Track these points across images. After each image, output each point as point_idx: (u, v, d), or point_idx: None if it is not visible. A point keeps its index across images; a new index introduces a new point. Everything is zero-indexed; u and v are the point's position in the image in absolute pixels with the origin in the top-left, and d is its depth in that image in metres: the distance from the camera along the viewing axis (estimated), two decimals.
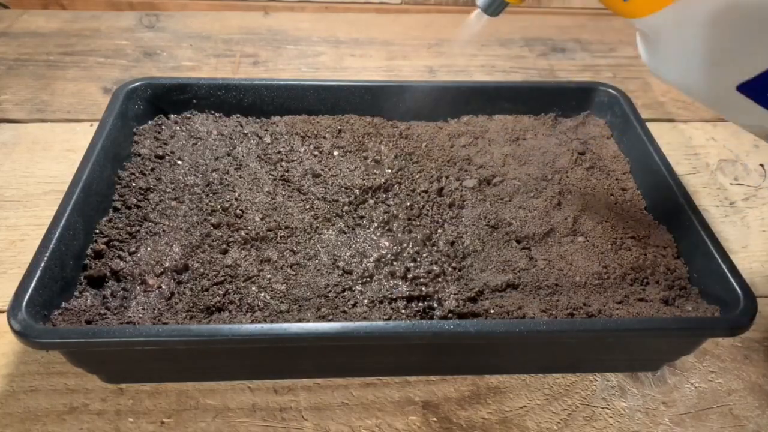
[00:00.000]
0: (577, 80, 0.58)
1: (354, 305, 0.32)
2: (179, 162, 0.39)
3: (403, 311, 0.31)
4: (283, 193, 0.38)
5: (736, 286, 0.31)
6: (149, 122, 0.42)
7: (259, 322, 0.30)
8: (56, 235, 0.30)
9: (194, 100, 0.43)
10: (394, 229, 0.36)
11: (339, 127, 0.42)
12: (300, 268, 0.33)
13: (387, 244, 0.35)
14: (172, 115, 0.42)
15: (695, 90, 0.26)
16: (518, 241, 0.36)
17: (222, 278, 0.32)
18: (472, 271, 0.34)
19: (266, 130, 0.42)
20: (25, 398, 0.31)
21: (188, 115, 0.43)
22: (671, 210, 0.37)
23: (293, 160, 0.40)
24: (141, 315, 0.30)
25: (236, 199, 0.37)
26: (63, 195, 0.33)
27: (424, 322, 0.29)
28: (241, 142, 0.41)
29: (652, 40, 0.26)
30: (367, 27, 0.65)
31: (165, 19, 0.64)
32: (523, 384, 0.33)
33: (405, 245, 0.35)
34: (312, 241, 0.35)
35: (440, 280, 0.33)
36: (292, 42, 0.61)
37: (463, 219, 0.37)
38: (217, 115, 0.43)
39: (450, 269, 0.34)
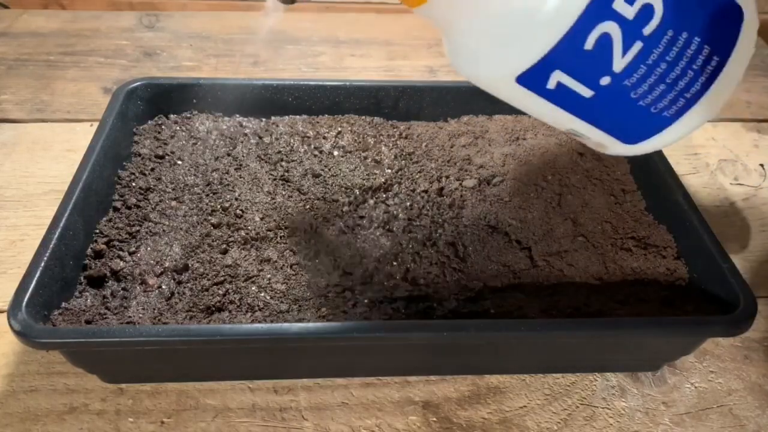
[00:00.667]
0: None
1: (354, 305, 0.32)
2: (179, 162, 0.39)
3: (403, 311, 0.31)
4: (283, 193, 0.38)
5: (736, 286, 0.31)
6: (149, 122, 0.42)
7: (259, 322, 0.30)
8: (56, 235, 0.30)
9: (194, 100, 0.43)
10: (394, 229, 0.36)
11: (339, 127, 0.43)
12: (300, 268, 0.33)
13: (387, 244, 0.35)
14: (172, 115, 0.42)
15: (486, 85, 0.25)
16: (518, 241, 0.36)
17: (222, 278, 0.32)
18: (472, 271, 0.34)
19: (266, 130, 0.42)
20: (25, 398, 0.31)
21: (188, 115, 0.43)
22: (671, 210, 0.37)
23: (293, 160, 0.40)
24: (141, 315, 0.30)
25: (236, 199, 0.37)
26: (63, 195, 0.33)
27: (424, 322, 0.29)
28: (241, 142, 0.41)
29: (443, 32, 0.25)
30: (368, 27, 0.65)
31: (165, 19, 0.64)
32: (523, 384, 0.33)
33: (405, 245, 0.35)
34: (312, 241, 0.35)
35: (440, 280, 0.33)
36: (292, 42, 0.61)
37: (463, 219, 0.37)
38: (217, 115, 0.43)
39: (450, 269, 0.34)
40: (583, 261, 0.35)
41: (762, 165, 0.50)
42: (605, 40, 0.21)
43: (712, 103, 0.24)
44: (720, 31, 0.22)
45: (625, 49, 0.21)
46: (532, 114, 0.26)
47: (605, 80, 0.22)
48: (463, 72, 0.25)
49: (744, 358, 0.36)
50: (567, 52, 0.21)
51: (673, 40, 0.22)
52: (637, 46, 0.21)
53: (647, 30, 0.21)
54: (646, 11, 0.21)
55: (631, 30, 0.21)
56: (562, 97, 0.23)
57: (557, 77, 0.22)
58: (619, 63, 0.22)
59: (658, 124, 0.24)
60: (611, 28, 0.21)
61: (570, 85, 0.22)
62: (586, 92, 0.23)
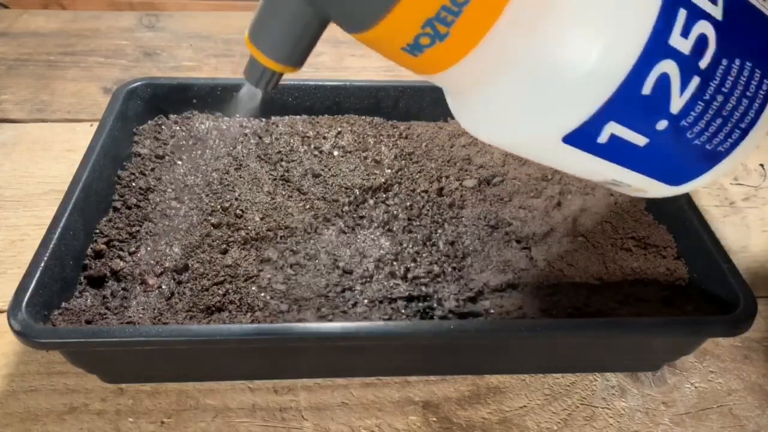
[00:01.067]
0: None
1: (354, 305, 0.32)
2: (179, 162, 0.39)
3: (403, 311, 0.31)
4: (283, 193, 0.38)
5: (736, 287, 0.31)
6: (149, 122, 0.42)
7: (259, 322, 0.30)
8: (56, 235, 0.30)
9: (194, 100, 0.43)
10: (394, 229, 0.36)
11: (339, 127, 0.43)
12: (300, 268, 0.33)
13: (387, 244, 0.35)
14: (172, 115, 0.42)
15: (519, 148, 0.22)
16: (518, 241, 0.36)
17: (222, 278, 0.32)
18: (472, 271, 0.34)
19: (266, 130, 0.42)
20: (25, 398, 0.31)
21: (188, 115, 0.43)
22: (671, 210, 0.37)
23: (293, 160, 0.40)
24: (141, 315, 0.30)
25: (236, 199, 0.37)
26: (63, 195, 0.33)
27: (424, 322, 0.29)
28: (241, 142, 0.41)
29: (457, 95, 0.23)
30: None
31: (165, 19, 0.64)
32: (523, 384, 0.33)
33: (405, 245, 0.35)
34: (312, 241, 0.35)
35: (440, 280, 0.33)
36: None
37: (463, 219, 0.37)
38: (217, 115, 0.43)
39: (450, 269, 0.34)
40: (583, 261, 0.35)
41: (762, 165, 0.50)
42: (663, 81, 0.19)
43: (763, 128, 0.22)
44: (764, 51, 0.21)
45: (683, 87, 0.20)
46: (565, 170, 0.24)
47: (662, 124, 0.20)
48: (488, 137, 0.23)
49: (744, 358, 0.36)
50: (623, 101, 0.19)
51: (727, 69, 0.20)
52: (695, 81, 0.20)
53: (703, 63, 0.20)
54: (701, 43, 0.19)
55: (688, 65, 0.19)
56: (612, 150, 0.21)
57: (610, 130, 0.20)
58: (677, 103, 0.20)
59: (711, 160, 0.22)
60: (669, 67, 0.19)
61: (623, 135, 0.20)
62: (641, 140, 0.21)
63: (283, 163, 0.40)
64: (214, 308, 0.31)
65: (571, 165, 0.23)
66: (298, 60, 0.23)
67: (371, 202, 0.38)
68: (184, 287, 0.32)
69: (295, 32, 0.22)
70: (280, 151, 0.40)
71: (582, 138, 0.20)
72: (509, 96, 0.21)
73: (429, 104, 0.44)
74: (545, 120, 0.20)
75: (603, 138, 0.20)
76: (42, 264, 0.29)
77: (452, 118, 0.45)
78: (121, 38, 0.60)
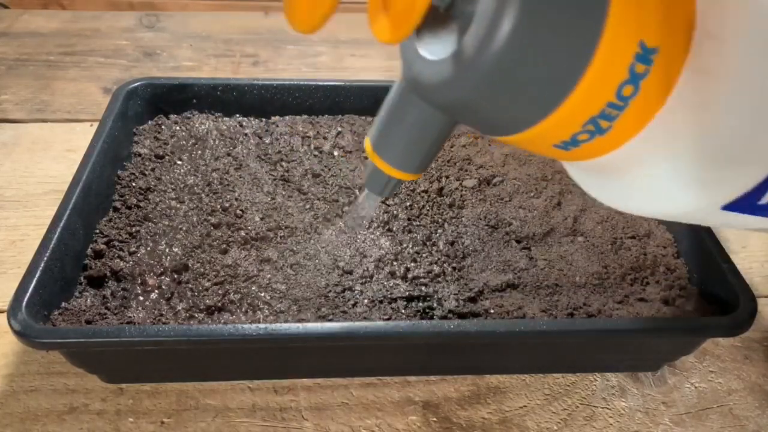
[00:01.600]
0: None
1: (354, 305, 0.32)
2: (179, 162, 0.39)
3: (403, 311, 0.31)
4: (283, 193, 0.38)
5: (736, 287, 0.31)
6: (149, 122, 0.42)
7: (259, 322, 0.30)
8: (56, 235, 0.30)
9: (194, 100, 0.43)
10: (394, 229, 0.36)
11: (339, 127, 0.43)
12: (300, 268, 0.33)
13: (387, 244, 0.35)
14: (172, 115, 0.42)
15: (669, 216, 0.22)
16: (518, 241, 0.36)
17: (222, 278, 0.32)
18: (472, 271, 0.34)
19: (266, 130, 0.42)
20: (25, 398, 0.31)
21: (188, 115, 0.43)
22: None
23: (293, 160, 0.40)
24: (141, 315, 0.30)
25: (236, 199, 0.37)
26: (63, 195, 0.33)
27: (424, 322, 0.29)
28: (241, 142, 0.41)
29: (593, 171, 0.22)
30: (367, 27, 0.65)
31: (165, 19, 0.64)
32: (523, 384, 0.33)
33: (405, 245, 0.35)
34: (312, 241, 0.35)
35: (440, 280, 0.33)
36: (292, 42, 0.61)
37: (463, 219, 0.37)
38: (217, 115, 0.43)
39: (450, 269, 0.34)
40: (583, 261, 0.35)
41: None
42: None
43: None
44: None
45: None
46: (708, 225, 0.23)
47: None
48: (627, 207, 0.22)
49: (744, 358, 0.36)
50: None
51: None
52: None
53: None
54: None
55: None
56: None
57: None
58: None
59: None
60: None
61: None
62: None
63: (283, 163, 0.40)
64: (214, 308, 0.31)
65: (720, 222, 0.22)
66: (427, 165, 0.22)
67: None
68: (184, 287, 0.32)
69: (427, 142, 0.21)
70: (280, 151, 0.40)
71: (743, 203, 0.20)
72: (668, 174, 0.20)
73: None
74: (708, 194, 0.19)
75: (765, 200, 0.20)
76: (42, 264, 0.29)
77: None
78: (121, 38, 0.60)
